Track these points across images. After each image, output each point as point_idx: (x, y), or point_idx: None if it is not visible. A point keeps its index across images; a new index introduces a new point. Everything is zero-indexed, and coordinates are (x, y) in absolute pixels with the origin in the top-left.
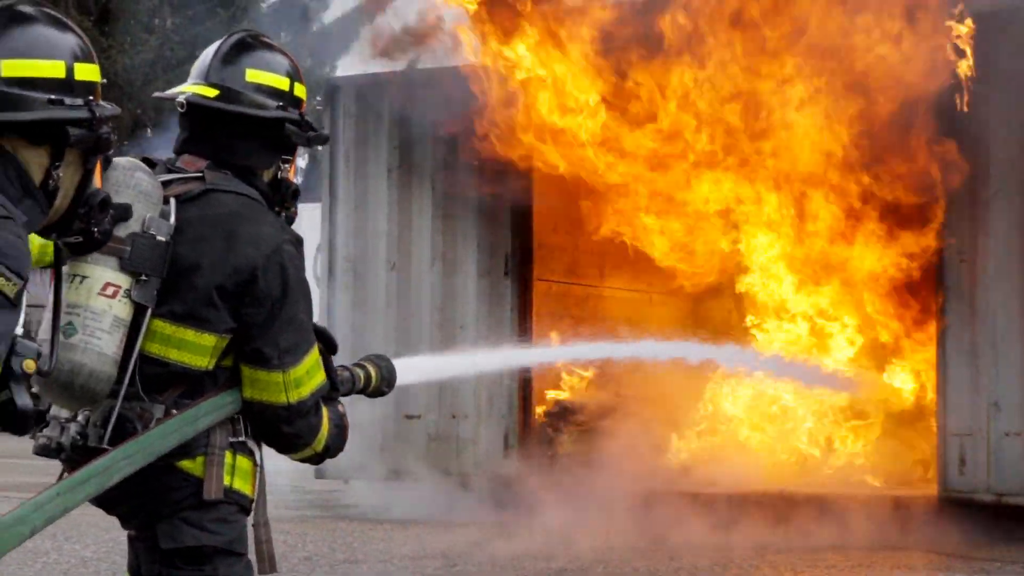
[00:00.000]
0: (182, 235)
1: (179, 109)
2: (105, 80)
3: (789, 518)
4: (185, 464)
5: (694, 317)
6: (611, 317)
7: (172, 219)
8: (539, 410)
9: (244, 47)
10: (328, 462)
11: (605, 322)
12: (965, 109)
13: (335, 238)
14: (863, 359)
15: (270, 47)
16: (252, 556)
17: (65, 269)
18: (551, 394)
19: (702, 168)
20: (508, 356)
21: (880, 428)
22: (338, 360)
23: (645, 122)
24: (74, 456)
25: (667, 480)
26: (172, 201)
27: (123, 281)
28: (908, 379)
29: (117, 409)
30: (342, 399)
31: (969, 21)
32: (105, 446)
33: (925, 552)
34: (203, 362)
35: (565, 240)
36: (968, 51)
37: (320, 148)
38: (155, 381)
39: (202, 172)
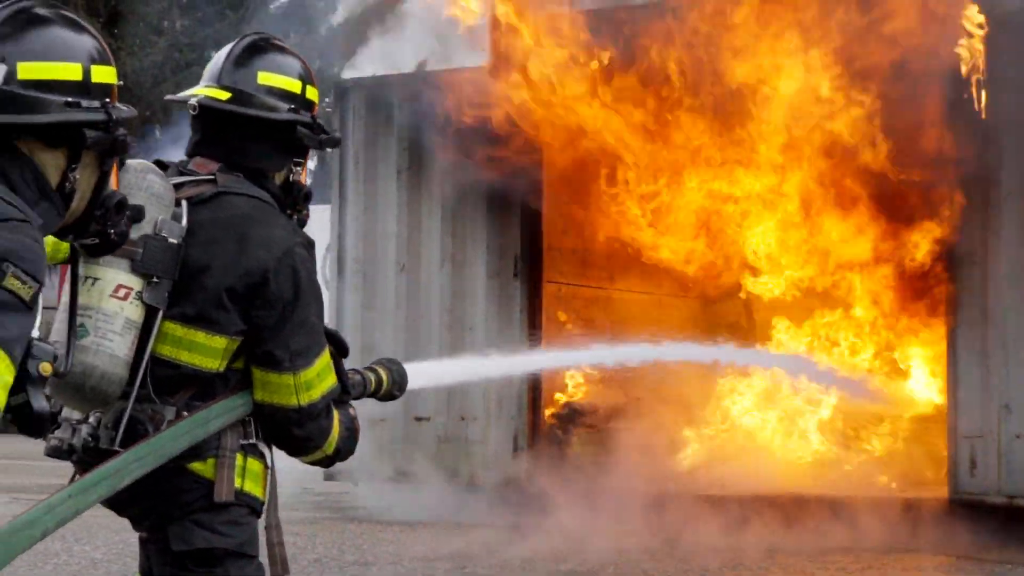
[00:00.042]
0: (194, 237)
1: (191, 112)
2: (121, 82)
3: (800, 520)
4: (196, 466)
5: (704, 319)
6: (621, 319)
7: (184, 221)
8: (548, 412)
9: (256, 50)
10: (337, 464)
11: (616, 324)
12: (981, 114)
13: (344, 239)
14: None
15: (282, 50)
16: (262, 558)
17: (79, 271)
18: (560, 396)
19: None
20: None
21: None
22: (348, 362)
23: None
24: (85, 458)
25: (677, 482)
26: (184, 203)
27: (135, 283)
28: (926, 382)
29: (128, 411)
30: (353, 402)
31: (983, 21)
32: (116, 448)
33: (936, 554)
34: (214, 364)
35: (575, 242)
36: (981, 52)
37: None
38: (166, 383)
39: (214, 175)
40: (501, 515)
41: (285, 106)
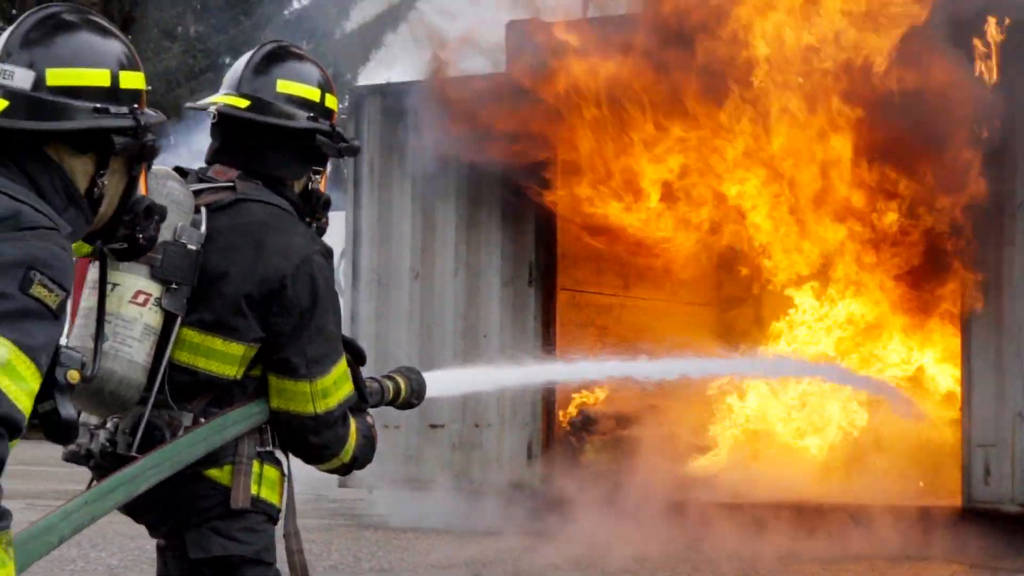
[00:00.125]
0: (212, 244)
1: (211, 119)
2: (150, 87)
3: (813, 528)
4: (213, 473)
5: (719, 326)
6: (635, 326)
7: (203, 228)
8: (563, 419)
9: (275, 58)
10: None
11: (631, 331)
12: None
13: (359, 247)
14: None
15: (301, 58)
16: (281, 566)
17: (94, 277)
18: (575, 402)
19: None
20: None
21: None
22: (364, 369)
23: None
24: (103, 463)
25: (692, 489)
26: (203, 210)
27: (154, 289)
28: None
29: (146, 417)
30: (371, 411)
31: (995, 33)
32: (133, 454)
33: (949, 562)
34: (231, 371)
35: (589, 249)
36: (994, 61)
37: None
38: (184, 389)
39: (233, 182)
40: (516, 522)
41: (304, 114)
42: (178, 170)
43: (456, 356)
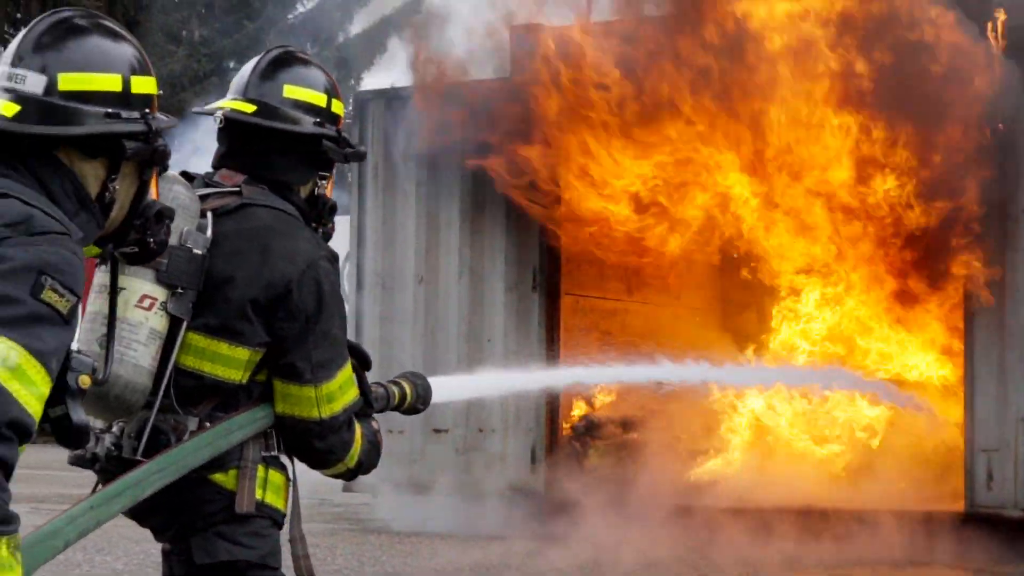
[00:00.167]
0: (218, 248)
1: (217, 124)
2: (161, 91)
3: (816, 533)
4: (218, 477)
5: (723, 330)
6: (640, 331)
7: (209, 232)
8: (567, 423)
9: (282, 63)
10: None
11: (635, 336)
12: (999, 126)
13: (363, 251)
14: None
15: (308, 63)
16: (287, 570)
17: (100, 280)
18: (578, 408)
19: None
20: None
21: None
22: (368, 375)
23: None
24: (108, 467)
25: (695, 494)
26: (209, 215)
27: (159, 293)
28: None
29: (151, 421)
30: (376, 416)
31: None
32: (139, 458)
33: (952, 568)
34: (237, 375)
35: (592, 254)
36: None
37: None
38: (189, 394)
39: (239, 186)
40: (519, 527)
41: (310, 119)
42: (184, 174)
43: (460, 361)
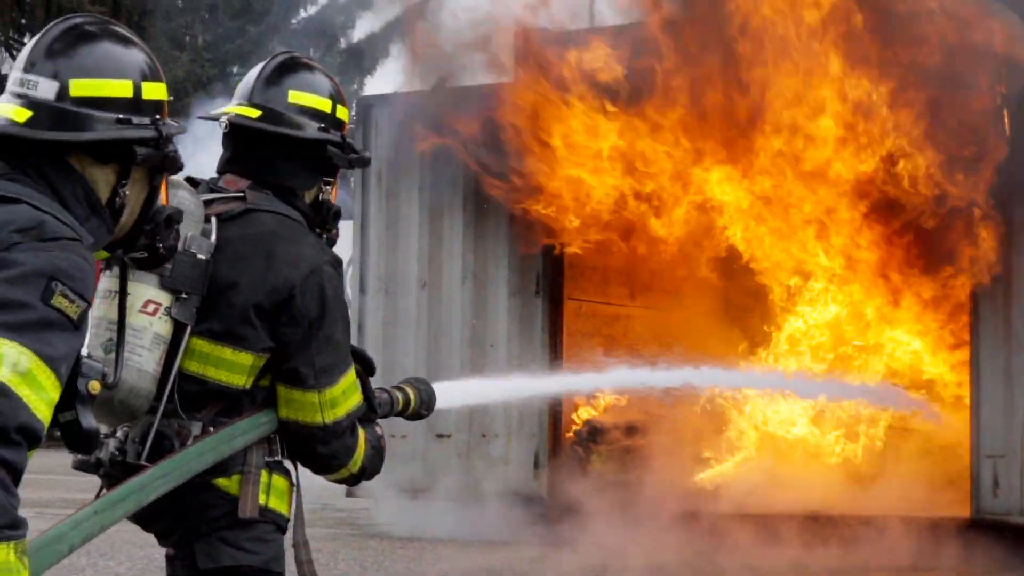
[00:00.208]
0: (222, 254)
1: (222, 129)
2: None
3: (821, 539)
4: (221, 482)
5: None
6: (643, 336)
7: (213, 238)
8: (570, 429)
9: (287, 68)
10: None
11: (639, 342)
12: (1005, 132)
13: (367, 256)
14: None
15: (312, 69)
16: (288, 575)
17: (105, 286)
18: (581, 413)
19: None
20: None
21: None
22: (372, 380)
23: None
24: (112, 472)
25: (699, 500)
26: (213, 220)
27: (163, 299)
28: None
29: (155, 426)
30: (380, 421)
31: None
32: (143, 463)
33: (957, 574)
34: (241, 381)
35: (596, 259)
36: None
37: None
38: (193, 399)
39: (243, 192)
40: (522, 532)
41: (315, 125)
42: (189, 180)
43: (463, 366)
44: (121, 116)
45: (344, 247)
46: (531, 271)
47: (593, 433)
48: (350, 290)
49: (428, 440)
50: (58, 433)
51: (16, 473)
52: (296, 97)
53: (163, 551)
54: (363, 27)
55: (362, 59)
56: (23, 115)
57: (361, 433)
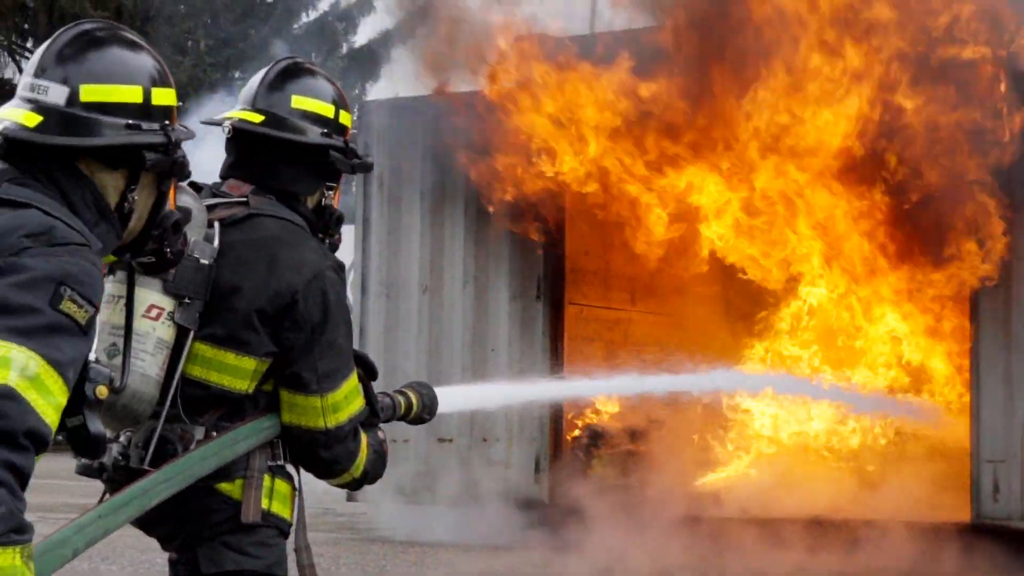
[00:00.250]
0: (225, 258)
1: (226, 134)
2: (181, 103)
3: (821, 544)
4: (224, 486)
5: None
6: (644, 341)
7: (216, 242)
8: (571, 434)
9: (290, 74)
10: None
11: (640, 347)
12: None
13: (368, 261)
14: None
15: (315, 74)
16: None
17: (109, 291)
18: (582, 418)
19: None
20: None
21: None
22: (374, 384)
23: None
24: (115, 476)
25: (700, 505)
26: (216, 225)
27: (167, 303)
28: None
29: (159, 430)
30: (382, 425)
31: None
32: (146, 467)
33: None
34: (243, 385)
35: (597, 264)
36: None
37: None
38: (196, 403)
39: (246, 197)
40: (523, 536)
41: (318, 130)
42: (192, 184)
43: (464, 370)
44: (131, 121)
45: (346, 251)
46: (532, 276)
47: (594, 437)
48: (352, 294)
49: (429, 444)
50: (59, 438)
51: (23, 477)
52: (299, 102)
53: (166, 556)
54: (366, 32)
55: (365, 64)
56: (33, 120)
57: (363, 437)
